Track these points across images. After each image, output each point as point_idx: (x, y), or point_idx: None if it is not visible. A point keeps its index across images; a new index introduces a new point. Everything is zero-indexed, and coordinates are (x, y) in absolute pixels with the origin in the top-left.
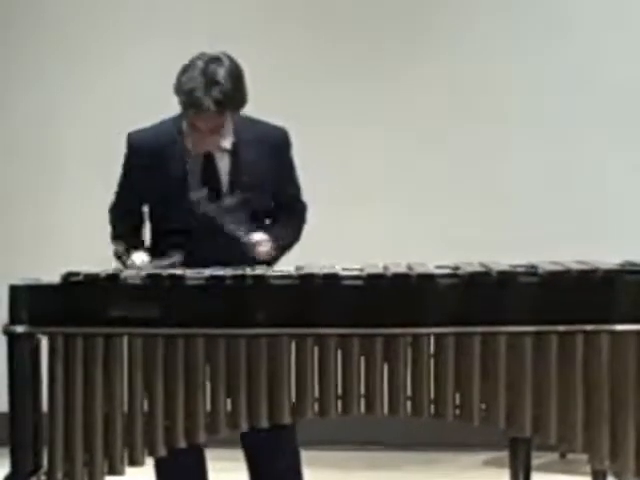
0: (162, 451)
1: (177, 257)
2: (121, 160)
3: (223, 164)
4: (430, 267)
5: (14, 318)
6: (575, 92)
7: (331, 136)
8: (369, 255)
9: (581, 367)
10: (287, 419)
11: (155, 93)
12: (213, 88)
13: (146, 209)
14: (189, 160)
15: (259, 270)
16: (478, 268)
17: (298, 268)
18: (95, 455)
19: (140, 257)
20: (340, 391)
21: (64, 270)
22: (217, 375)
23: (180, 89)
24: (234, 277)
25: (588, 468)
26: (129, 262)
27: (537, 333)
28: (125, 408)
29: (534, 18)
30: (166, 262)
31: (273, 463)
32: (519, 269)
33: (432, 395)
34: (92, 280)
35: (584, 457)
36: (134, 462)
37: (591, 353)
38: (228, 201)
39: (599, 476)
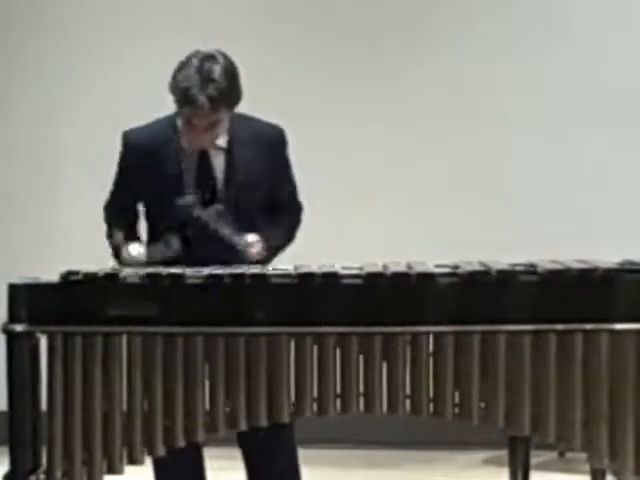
0: (161, 450)
1: (174, 242)
2: None
3: (218, 162)
4: (429, 266)
5: (13, 317)
6: (575, 92)
7: (331, 136)
8: (369, 255)
9: (580, 366)
10: (286, 418)
11: (155, 93)
12: (208, 85)
13: (142, 208)
14: (184, 158)
15: (258, 269)
16: (477, 267)
17: (297, 267)
18: (94, 454)
19: (136, 249)
20: (339, 390)
21: (64, 269)
22: (216, 374)
23: (175, 87)
24: (233, 276)
25: (587, 467)
26: (125, 254)
27: (536, 332)
28: (124, 407)
29: (534, 18)
30: (163, 248)
31: (273, 463)
32: (518, 268)
33: (431, 394)
34: (91, 279)
35: (583, 456)
36: (133, 461)
37: (590, 352)
38: (218, 206)
39: (598, 475)
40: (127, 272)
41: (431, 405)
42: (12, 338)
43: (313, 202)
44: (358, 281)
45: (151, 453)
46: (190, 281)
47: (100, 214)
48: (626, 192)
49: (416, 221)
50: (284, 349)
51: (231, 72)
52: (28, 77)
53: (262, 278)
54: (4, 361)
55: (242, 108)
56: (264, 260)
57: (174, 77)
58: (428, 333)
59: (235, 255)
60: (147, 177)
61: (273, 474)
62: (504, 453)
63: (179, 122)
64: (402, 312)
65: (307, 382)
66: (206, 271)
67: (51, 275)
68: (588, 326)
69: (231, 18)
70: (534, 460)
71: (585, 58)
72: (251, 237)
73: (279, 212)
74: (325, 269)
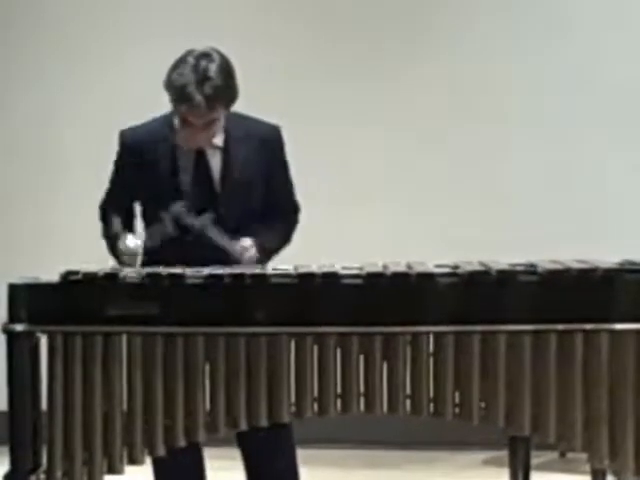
0: (161, 450)
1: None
2: None
3: (214, 161)
4: (429, 266)
5: (13, 317)
6: (575, 92)
7: (331, 136)
8: (369, 255)
9: (580, 366)
10: (286, 418)
11: (155, 93)
12: (205, 84)
13: (138, 207)
14: (181, 157)
15: (258, 269)
16: (477, 267)
17: (297, 267)
18: (94, 454)
19: (133, 240)
20: (339, 390)
21: (64, 269)
22: (216, 374)
23: (171, 85)
24: (233, 276)
25: (587, 467)
26: (122, 245)
27: (536, 332)
28: (124, 407)
29: (534, 18)
30: (161, 227)
31: (272, 463)
32: (518, 268)
33: (431, 394)
34: (91, 279)
35: (583, 456)
36: (133, 461)
37: (590, 352)
38: (210, 214)
39: (598, 475)
40: (127, 272)
41: (431, 405)
42: (12, 338)
43: (313, 202)
44: (358, 281)
45: (151, 453)
46: (190, 281)
47: None
48: (626, 192)
49: (416, 221)
50: (284, 349)
51: (227, 70)
52: (28, 77)
53: (262, 278)
54: (4, 361)
55: (242, 108)
56: (259, 263)
57: (169, 75)
58: (428, 333)
59: (228, 259)
60: (144, 176)
61: (272, 474)
62: (504, 453)
63: (175, 120)
64: (402, 312)
65: (307, 382)
66: (206, 271)
67: (51, 275)
68: (588, 326)
69: (231, 18)
70: (534, 460)
71: (585, 58)
72: (245, 242)
73: (275, 212)
74: (325, 269)
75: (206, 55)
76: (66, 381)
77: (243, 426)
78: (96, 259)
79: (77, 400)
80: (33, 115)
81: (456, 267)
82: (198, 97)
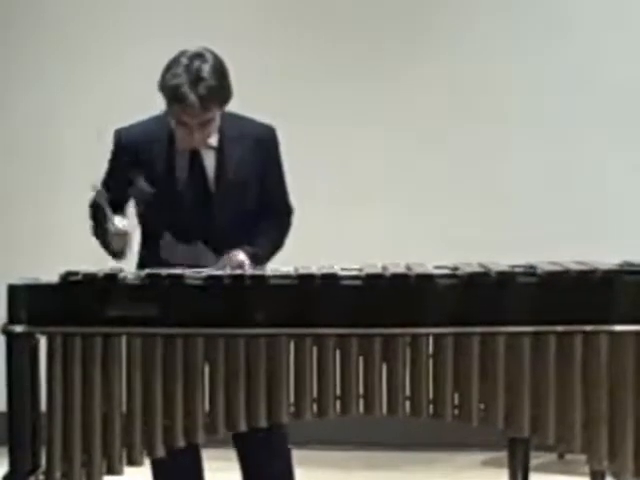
0: (161, 451)
1: (142, 182)
2: None
3: (209, 161)
4: (429, 267)
5: (13, 318)
6: (575, 92)
7: (331, 136)
8: (369, 255)
9: (580, 367)
10: (285, 419)
11: (155, 93)
12: (198, 84)
13: (133, 208)
14: (176, 157)
15: (258, 270)
16: (477, 268)
17: (297, 268)
18: (93, 455)
19: (121, 221)
20: (339, 391)
21: (63, 270)
22: (216, 375)
23: (165, 86)
24: (233, 277)
25: (587, 468)
26: (111, 226)
27: (536, 333)
28: (124, 408)
29: (534, 18)
30: (138, 188)
31: (268, 466)
32: (518, 269)
33: (431, 395)
34: (91, 280)
35: (583, 457)
36: (133, 462)
37: (590, 353)
38: (200, 245)
39: (598, 476)
40: (127, 273)
41: (431, 406)
42: (12, 339)
43: (313, 202)
44: (358, 282)
45: (151, 454)
46: (190, 282)
47: None
48: (626, 192)
49: (416, 221)
50: (284, 350)
51: (220, 70)
52: (28, 77)
53: (262, 279)
54: (4, 362)
55: (242, 108)
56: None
57: (163, 76)
58: (428, 334)
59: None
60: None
61: (268, 477)
62: (504, 454)
63: (171, 120)
64: (402, 313)
65: (307, 383)
66: (206, 272)
67: (51, 276)
68: (588, 327)
69: (231, 18)
70: (533, 461)
71: (585, 58)
72: (238, 256)
73: (269, 213)
74: (325, 270)
75: (199, 55)
76: (65, 382)
77: (242, 427)
78: (96, 260)
79: (76, 401)
80: (33, 115)
81: (455, 268)
82: (192, 97)
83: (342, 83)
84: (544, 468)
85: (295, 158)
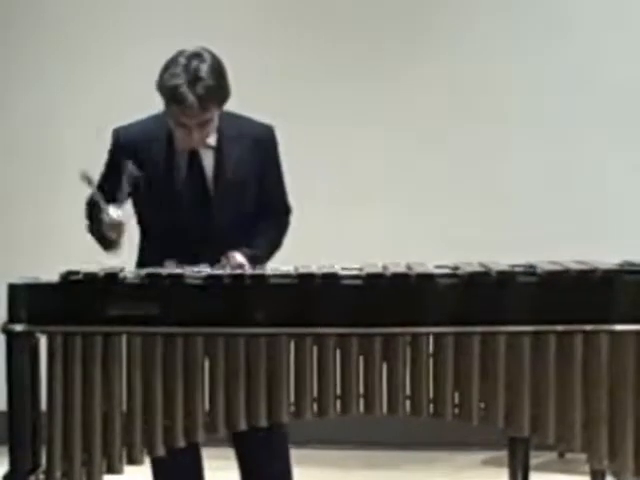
0: (161, 450)
1: (131, 167)
2: None
3: (207, 161)
4: (429, 267)
5: (13, 317)
6: (575, 92)
7: (331, 136)
8: (369, 255)
9: (580, 367)
10: (286, 418)
11: (155, 93)
12: (197, 84)
13: (132, 208)
14: (175, 156)
15: (258, 269)
16: (477, 268)
17: (297, 268)
18: (94, 454)
19: (116, 211)
20: (339, 391)
21: (63, 269)
22: (216, 374)
23: (163, 86)
24: (233, 276)
25: (587, 468)
26: (105, 216)
27: (536, 333)
28: (124, 407)
29: (534, 18)
30: (126, 176)
31: (268, 467)
32: (518, 269)
33: (431, 394)
34: (91, 279)
35: (583, 457)
36: (133, 461)
37: (590, 353)
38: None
39: (598, 476)
40: (127, 272)
41: (431, 406)
42: (12, 338)
43: (313, 202)
44: (358, 282)
45: (151, 453)
46: (190, 281)
47: None
48: (626, 192)
49: (416, 221)
50: (284, 350)
51: (218, 70)
52: (28, 77)
53: (262, 279)
54: (4, 361)
55: (242, 108)
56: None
57: (161, 76)
58: (428, 334)
59: None
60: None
61: (267, 477)
62: (504, 454)
63: (170, 120)
64: (402, 313)
65: (307, 383)
66: (206, 271)
67: (51, 276)
68: (588, 327)
69: (231, 18)
70: (534, 461)
71: (585, 58)
72: (237, 258)
73: (268, 212)
74: (325, 270)
75: (197, 55)
76: (66, 381)
77: (242, 426)
78: (95, 260)
79: (76, 400)
80: (33, 115)
81: (456, 268)
82: (191, 98)
83: (342, 83)
84: (544, 467)
85: (295, 158)
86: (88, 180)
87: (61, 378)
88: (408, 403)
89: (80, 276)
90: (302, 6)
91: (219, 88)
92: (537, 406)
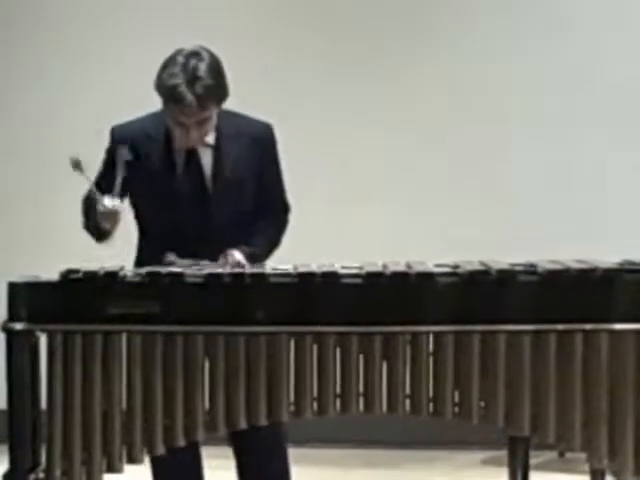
0: (161, 449)
1: (125, 151)
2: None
3: (206, 159)
4: (429, 266)
5: (13, 315)
6: (575, 92)
7: (331, 136)
8: (369, 255)
9: (580, 366)
10: (285, 417)
11: (155, 93)
12: (195, 84)
13: (130, 206)
14: (173, 155)
15: (258, 268)
16: (477, 267)
17: (297, 267)
18: (93, 453)
19: (111, 201)
20: (339, 389)
21: (63, 268)
22: (216, 373)
23: (162, 86)
24: (233, 275)
25: (587, 467)
26: (101, 206)
27: (536, 332)
28: (124, 405)
29: (534, 18)
30: (121, 160)
31: (267, 466)
32: (518, 268)
33: (431, 393)
34: (91, 277)
35: (583, 456)
36: (133, 460)
37: (590, 352)
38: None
39: (598, 475)
40: (127, 271)
41: (431, 405)
42: (12, 336)
43: (313, 202)
44: (358, 280)
45: (151, 452)
46: (190, 280)
47: None
48: (626, 192)
49: (416, 221)
50: (284, 348)
51: (217, 69)
52: (28, 77)
53: (262, 277)
54: (4, 360)
55: (242, 108)
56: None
57: (159, 76)
58: (428, 333)
59: None
60: (136, 173)
61: (265, 476)
62: (503, 453)
63: (168, 119)
64: (402, 312)
65: (307, 382)
66: (206, 270)
67: (51, 274)
68: (588, 326)
69: (231, 18)
70: (533, 460)
71: (585, 58)
72: (235, 256)
73: (266, 210)
74: (325, 268)
75: (195, 54)
76: (65, 380)
77: (242, 425)
78: (96, 258)
79: (76, 399)
80: (33, 115)
81: (456, 267)
82: (189, 97)
83: (342, 83)
84: (544, 467)
85: (295, 158)
86: (76, 165)
87: (61, 377)
88: (408, 402)
89: (80, 275)
90: (302, 6)
91: (218, 87)
92: (537, 405)
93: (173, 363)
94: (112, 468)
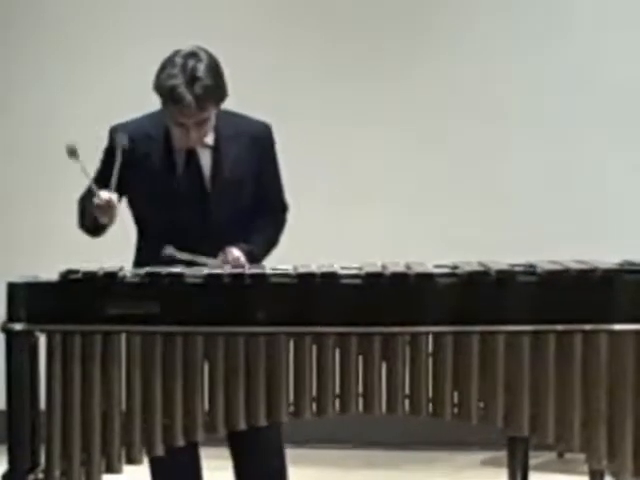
0: (160, 449)
1: (122, 137)
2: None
3: (205, 159)
4: (429, 266)
5: (12, 316)
6: (575, 92)
7: (331, 136)
8: (369, 255)
9: (579, 367)
10: (285, 418)
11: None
12: (194, 84)
13: (129, 207)
14: (173, 155)
15: (258, 269)
16: (477, 267)
17: (297, 267)
18: (93, 453)
19: (108, 194)
20: (338, 390)
21: (63, 268)
22: (215, 373)
23: (160, 86)
24: (233, 275)
25: (586, 468)
26: (96, 200)
27: (536, 332)
28: (123, 406)
29: (534, 18)
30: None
31: (265, 466)
32: (518, 268)
33: (430, 394)
34: (90, 278)
35: (582, 456)
36: (132, 460)
37: (589, 353)
38: (205, 260)
39: (597, 476)
40: (127, 271)
41: (430, 405)
42: (11, 337)
43: (313, 202)
44: (357, 281)
45: (150, 452)
46: (189, 280)
47: None
48: (626, 192)
49: (416, 221)
50: (283, 349)
51: (215, 69)
52: (28, 77)
53: (261, 278)
54: (3, 360)
55: (242, 109)
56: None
57: (158, 77)
58: (427, 333)
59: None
60: (135, 173)
61: (261, 476)
62: (503, 454)
63: (167, 120)
64: (401, 312)
65: (306, 382)
66: (206, 270)
67: (50, 274)
68: (587, 327)
69: (231, 18)
70: (533, 461)
71: (585, 58)
72: (233, 254)
73: (264, 210)
74: (324, 269)
75: (194, 54)
76: (65, 380)
77: (242, 426)
78: (96, 259)
79: (76, 399)
80: (33, 115)
81: (455, 267)
82: (188, 98)
83: (342, 83)
84: (543, 467)
85: (295, 158)
86: (72, 152)
87: (60, 377)
88: (407, 402)
89: (79, 275)
90: (302, 6)
91: (217, 87)
92: (536, 406)
93: (172, 363)
94: (111, 468)
